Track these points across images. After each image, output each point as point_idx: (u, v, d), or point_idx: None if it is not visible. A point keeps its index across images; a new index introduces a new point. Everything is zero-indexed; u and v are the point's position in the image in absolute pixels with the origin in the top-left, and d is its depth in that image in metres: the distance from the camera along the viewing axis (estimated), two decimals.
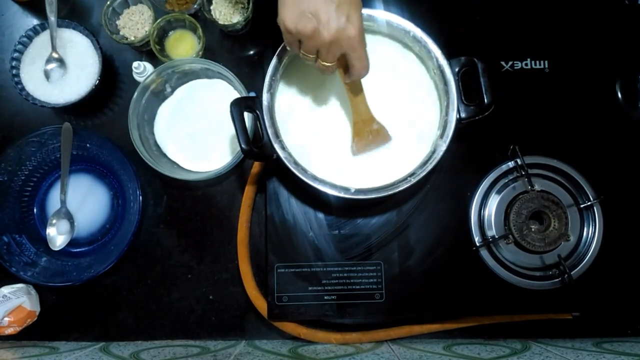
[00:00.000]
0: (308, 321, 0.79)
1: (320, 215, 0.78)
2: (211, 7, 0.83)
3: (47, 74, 0.82)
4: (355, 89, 0.70)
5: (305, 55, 0.63)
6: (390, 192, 0.68)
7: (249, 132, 0.71)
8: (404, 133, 0.74)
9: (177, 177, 0.78)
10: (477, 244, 0.77)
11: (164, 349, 0.78)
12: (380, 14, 0.72)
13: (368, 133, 0.72)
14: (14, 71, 0.81)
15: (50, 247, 0.80)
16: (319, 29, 0.58)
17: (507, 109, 0.78)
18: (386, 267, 0.77)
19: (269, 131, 0.69)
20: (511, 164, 0.78)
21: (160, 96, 0.83)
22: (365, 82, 0.74)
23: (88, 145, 0.82)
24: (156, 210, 0.84)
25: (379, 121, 0.72)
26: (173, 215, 0.84)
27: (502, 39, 0.83)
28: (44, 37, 0.83)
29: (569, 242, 0.76)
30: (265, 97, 0.70)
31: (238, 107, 0.68)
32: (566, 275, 0.74)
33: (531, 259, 0.76)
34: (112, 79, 0.87)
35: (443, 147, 0.69)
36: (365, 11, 0.72)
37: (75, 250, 0.83)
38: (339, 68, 0.65)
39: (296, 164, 0.69)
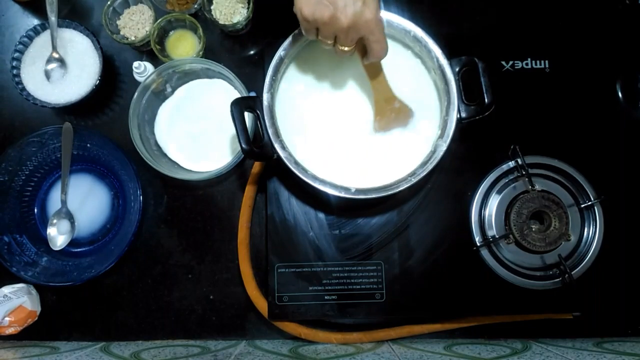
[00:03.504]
0: (308, 321, 0.79)
1: (321, 215, 0.78)
2: (212, 7, 0.83)
3: (47, 74, 0.82)
4: (375, 70, 0.71)
5: (324, 41, 0.64)
6: (390, 192, 0.69)
7: (249, 132, 0.71)
8: (404, 133, 0.74)
9: (177, 177, 0.78)
10: (478, 244, 0.77)
11: (164, 348, 0.78)
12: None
13: (390, 111, 0.73)
14: (15, 71, 0.81)
15: (51, 247, 0.80)
16: (336, 15, 0.59)
17: (507, 109, 0.78)
18: (387, 267, 0.77)
19: (270, 131, 0.69)
20: (512, 163, 0.78)
21: (160, 96, 0.83)
22: (365, 81, 0.74)
23: (89, 145, 0.82)
24: (157, 210, 0.84)
25: (402, 100, 0.73)
26: (173, 215, 0.84)
27: (503, 38, 0.83)
28: (44, 37, 0.83)
29: (570, 242, 0.76)
30: (265, 96, 0.70)
31: (238, 107, 0.68)
32: (567, 275, 0.74)
33: (532, 258, 0.76)
34: (113, 79, 0.87)
35: (443, 147, 0.69)
36: None
37: (75, 250, 0.83)
38: (357, 51, 0.66)
39: (297, 163, 0.69)
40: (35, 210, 0.84)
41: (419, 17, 0.74)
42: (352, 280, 0.76)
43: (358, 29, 0.61)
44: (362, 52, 0.67)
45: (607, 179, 0.78)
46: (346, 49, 0.64)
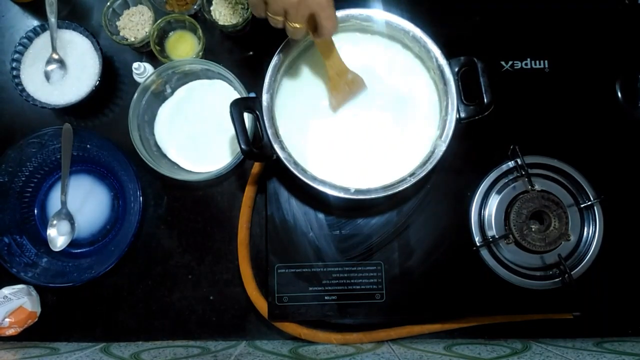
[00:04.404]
0: (308, 321, 0.79)
1: (321, 216, 0.78)
2: (211, 8, 0.83)
3: (47, 75, 0.82)
4: (327, 47, 0.70)
5: (273, 17, 0.61)
6: (390, 192, 0.68)
7: (248, 132, 0.71)
8: (403, 133, 0.74)
9: (177, 177, 0.78)
10: (478, 244, 0.77)
11: (164, 349, 0.78)
12: (380, 14, 0.72)
13: (344, 84, 0.72)
14: (15, 72, 0.82)
15: (51, 248, 0.81)
16: None
17: (507, 109, 0.78)
18: (387, 267, 0.77)
19: (269, 132, 0.69)
20: (511, 163, 0.78)
21: (160, 97, 0.83)
22: (364, 82, 0.74)
23: (88, 146, 0.82)
24: (157, 211, 0.84)
25: (353, 71, 0.72)
26: (173, 216, 0.84)
27: (502, 38, 0.83)
28: (44, 38, 0.83)
29: (569, 241, 0.76)
30: (265, 97, 0.70)
31: (238, 107, 0.68)
32: (567, 275, 0.74)
33: (531, 258, 0.76)
34: (113, 80, 0.87)
35: (443, 147, 0.69)
36: (365, 11, 0.72)
37: (75, 251, 0.83)
38: (308, 28, 0.64)
39: (296, 164, 0.69)
40: (35, 211, 0.84)
41: (418, 17, 0.74)
42: (352, 281, 0.76)
43: (308, 4, 0.59)
44: (313, 28, 0.65)
45: (607, 179, 0.78)
46: (297, 25, 0.61)
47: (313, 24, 0.64)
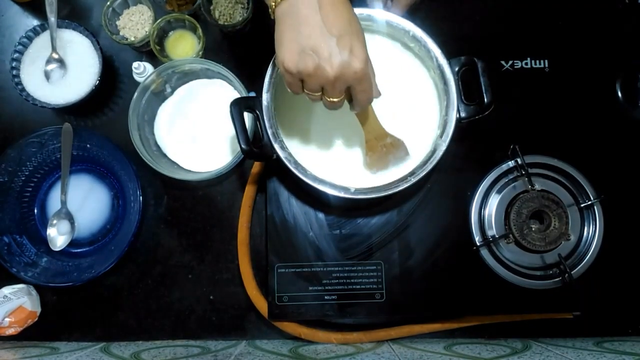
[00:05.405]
0: (308, 321, 0.79)
1: (321, 215, 0.78)
2: (211, 8, 0.83)
3: (47, 75, 0.82)
4: (364, 114, 0.68)
5: (311, 94, 0.59)
6: (390, 192, 0.68)
7: (249, 132, 0.71)
8: (403, 133, 0.74)
9: (177, 177, 0.78)
10: (478, 244, 0.77)
11: (164, 349, 0.78)
12: (380, 14, 0.72)
13: (382, 147, 0.70)
14: (14, 72, 0.82)
15: (51, 247, 0.80)
16: (322, 65, 0.55)
17: (507, 109, 0.78)
18: (387, 266, 0.77)
19: (269, 131, 0.69)
20: (511, 163, 0.78)
21: (160, 96, 0.83)
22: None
23: (88, 145, 0.82)
24: (157, 211, 0.84)
25: (393, 135, 0.70)
26: (173, 216, 0.84)
27: (502, 38, 0.83)
28: (44, 38, 0.83)
29: (570, 241, 0.76)
30: (265, 97, 0.70)
31: (238, 107, 0.68)
32: (567, 274, 0.74)
33: (532, 258, 0.76)
34: (112, 80, 0.87)
35: (443, 146, 0.69)
36: (365, 11, 0.72)
37: (75, 250, 0.83)
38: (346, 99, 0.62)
39: (296, 164, 0.69)
40: (35, 210, 0.84)
41: (418, 16, 0.74)
42: (352, 280, 0.76)
43: (346, 79, 0.56)
44: (349, 99, 0.63)
45: (607, 179, 0.78)
46: (335, 100, 0.59)
47: (349, 95, 0.62)
